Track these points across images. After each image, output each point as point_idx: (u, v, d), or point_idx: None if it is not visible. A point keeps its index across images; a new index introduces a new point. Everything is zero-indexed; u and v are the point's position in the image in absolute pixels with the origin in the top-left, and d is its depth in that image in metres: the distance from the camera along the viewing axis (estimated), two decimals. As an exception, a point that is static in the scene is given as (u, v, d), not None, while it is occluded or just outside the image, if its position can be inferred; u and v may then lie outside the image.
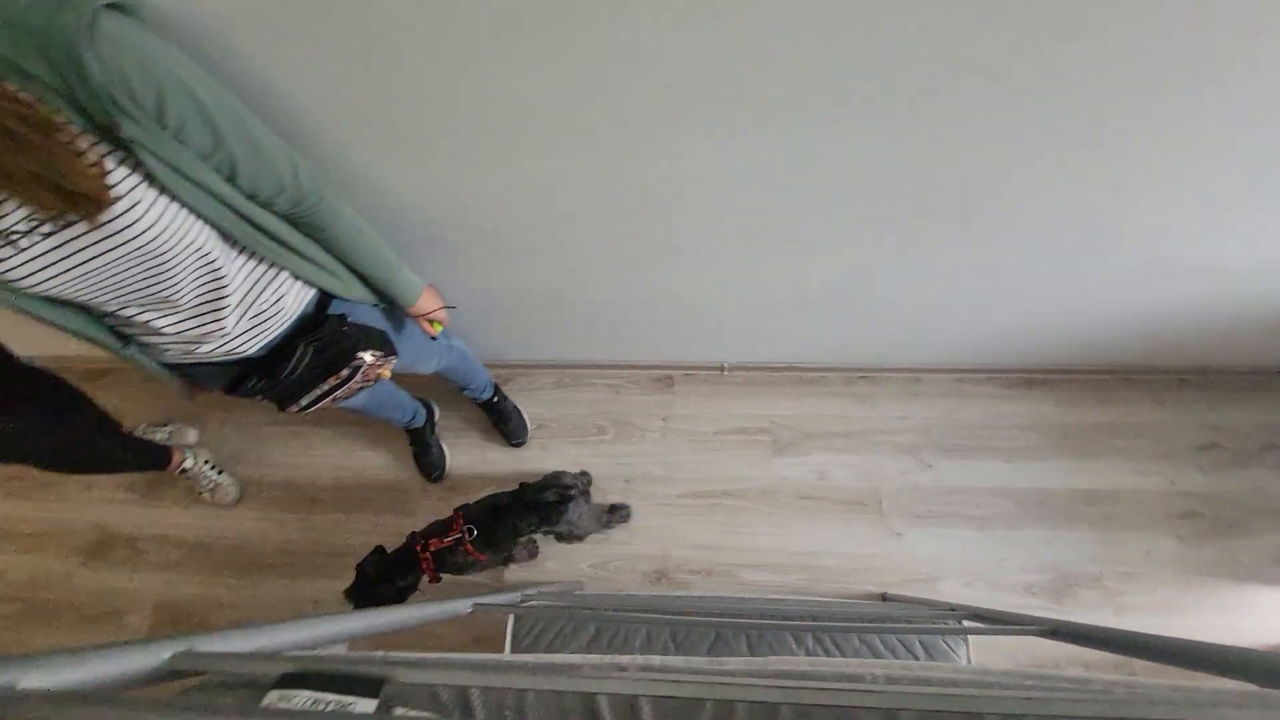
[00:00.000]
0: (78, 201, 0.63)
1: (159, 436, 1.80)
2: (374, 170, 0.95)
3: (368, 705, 0.37)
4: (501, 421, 1.77)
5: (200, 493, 1.78)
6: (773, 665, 0.45)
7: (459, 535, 1.32)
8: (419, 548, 1.33)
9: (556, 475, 1.46)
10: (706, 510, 1.71)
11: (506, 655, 0.94)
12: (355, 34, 0.70)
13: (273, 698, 0.37)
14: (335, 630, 0.62)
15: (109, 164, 0.64)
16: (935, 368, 1.79)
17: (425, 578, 1.33)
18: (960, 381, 1.80)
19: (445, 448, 1.80)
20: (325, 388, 1.01)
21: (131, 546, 1.80)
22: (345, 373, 1.00)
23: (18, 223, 0.64)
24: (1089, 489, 1.69)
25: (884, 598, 1.59)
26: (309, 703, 0.37)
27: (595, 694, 0.37)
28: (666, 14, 0.64)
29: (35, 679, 0.33)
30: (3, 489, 1.91)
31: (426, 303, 1.08)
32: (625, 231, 1.09)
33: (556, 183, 0.95)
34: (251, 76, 0.76)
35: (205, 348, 0.90)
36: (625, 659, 0.45)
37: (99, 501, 1.85)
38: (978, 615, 1.05)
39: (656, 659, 0.46)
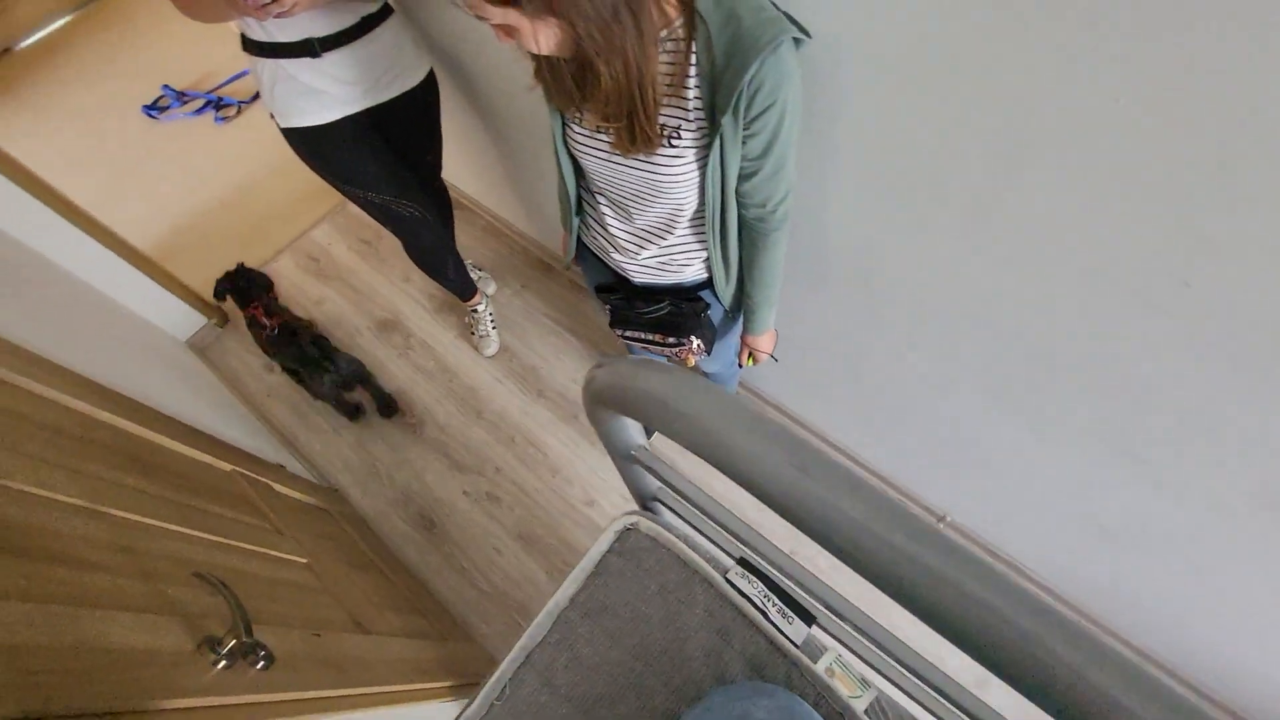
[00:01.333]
0: (637, 148, 0.82)
1: (474, 276, 2.14)
2: (840, 201, 1.05)
3: (799, 629, 0.44)
4: (719, 433, 1.85)
5: (473, 333, 2.10)
6: None
7: (265, 325, 1.79)
8: (253, 304, 1.81)
9: (351, 359, 1.87)
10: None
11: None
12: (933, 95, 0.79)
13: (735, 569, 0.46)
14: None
15: (690, 128, 0.80)
16: (1180, 675, 1.54)
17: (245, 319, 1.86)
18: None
19: (661, 422, 1.92)
20: (648, 338, 1.16)
21: (407, 339, 2.17)
22: (671, 340, 1.13)
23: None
24: None
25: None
26: (761, 595, 0.45)
27: None
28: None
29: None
30: (355, 246, 2.41)
31: (764, 341, 1.17)
32: (989, 358, 1.09)
33: (983, 281, 0.98)
34: (822, 101, 0.88)
35: (614, 255, 1.09)
36: None
37: (406, 295, 2.26)
38: None
39: None
